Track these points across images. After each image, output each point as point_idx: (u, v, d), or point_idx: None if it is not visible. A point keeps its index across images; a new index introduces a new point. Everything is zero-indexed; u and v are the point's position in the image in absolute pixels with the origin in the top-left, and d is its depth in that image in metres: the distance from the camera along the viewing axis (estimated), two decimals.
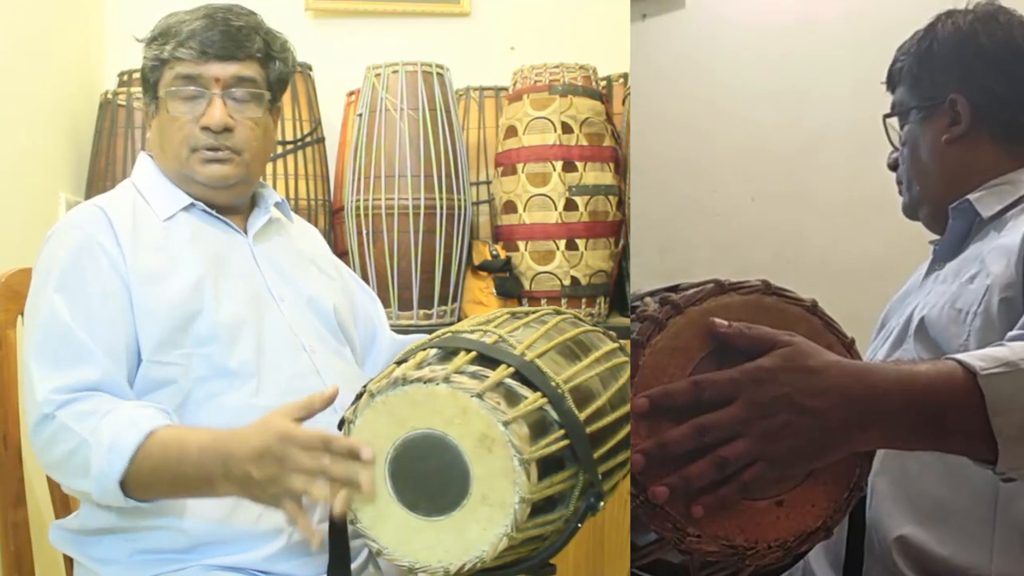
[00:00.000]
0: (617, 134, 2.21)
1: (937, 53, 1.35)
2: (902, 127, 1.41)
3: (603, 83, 2.26)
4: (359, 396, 1.07)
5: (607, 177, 2.14)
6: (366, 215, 2.09)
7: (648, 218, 2.15)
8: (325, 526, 1.11)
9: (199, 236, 1.38)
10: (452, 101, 2.14)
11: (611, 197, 2.14)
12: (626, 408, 1.11)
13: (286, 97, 2.16)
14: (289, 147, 2.19)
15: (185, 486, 1.18)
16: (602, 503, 1.07)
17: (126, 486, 1.18)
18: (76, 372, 1.23)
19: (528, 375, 1.05)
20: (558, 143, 2.11)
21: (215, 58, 1.35)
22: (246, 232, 1.43)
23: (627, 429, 1.08)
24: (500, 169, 2.20)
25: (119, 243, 1.31)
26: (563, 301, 2.13)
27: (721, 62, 2.33)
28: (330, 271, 1.54)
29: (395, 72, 2.10)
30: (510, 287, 2.17)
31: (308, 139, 2.23)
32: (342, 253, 2.16)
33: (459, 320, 1.86)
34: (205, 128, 1.36)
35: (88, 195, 2.16)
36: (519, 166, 2.13)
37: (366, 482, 1.02)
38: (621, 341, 1.26)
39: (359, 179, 2.10)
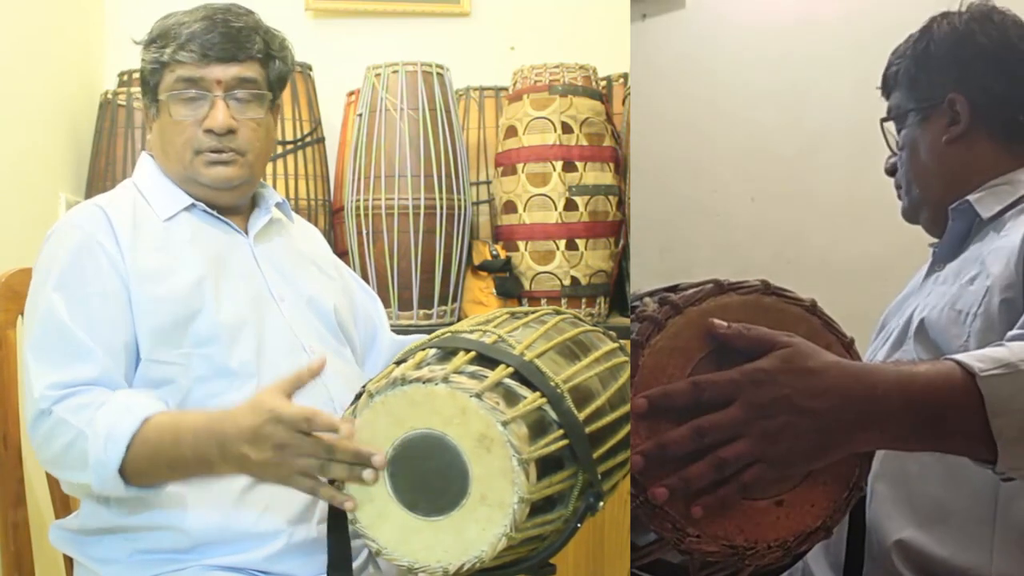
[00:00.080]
0: (617, 134, 2.21)
1: (934, 54, 1.35)
2: (899, 131, 1.41)
3: (603, 83, 2.26)
4: (358, 396, 1.07)
5: (607, 177, 2.14)
6: (366, 215, 2.09)
7: (648, 218, 2.14)
8: (325, 526, 1.11)
9: (200, 236, 1.38)
10: (452, 101, 2.14)
11: (611, 197, 2.14)
12: (626, 408, 1.11)
13: (286, 97, 2.18)
14: (289, 147, 2.19)
15: (184, 469, 1.18)
16: (601, 503, 1.07)
17: (125, 474, 1.18)
18: (73, 369, 1.23)
19: (527, 375, 1.05)
20: (558, 143, 2.11)
21: (216, 60, 1.35)
22: (247, 232, 1.43)
23: (627, 429, 1.08)
24: (500, 169, 2.20)
25: (119, 242, 1.31)
26: (563, 301, 2.13)
27: (721, 62, 2.33)
28: (330, 271, 1.54)
29: (395, 72, 2.10)
30: (510, 287, 2.17)
31: (308, 139, 2.23)
32: (342, 253, 2.16)
33: (459, 320, 1.86)
34: (208, 131, 1.36)
35: (88, 195, 2.16)
36: (519, 166, 2.13)
37: (378, 462, 1.02)
38: (621, 341, 1.26)
39: (359, 179, 2.10)
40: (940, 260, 1.35)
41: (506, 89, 2.27)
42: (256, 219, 1.45)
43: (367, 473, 1.02)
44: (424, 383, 1.01)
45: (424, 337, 1.18)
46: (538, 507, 1.03)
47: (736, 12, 2.35)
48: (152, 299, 1.29)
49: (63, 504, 1.46)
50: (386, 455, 1.02)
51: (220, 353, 1.31)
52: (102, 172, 2.18)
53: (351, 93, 2.32)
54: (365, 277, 2.07)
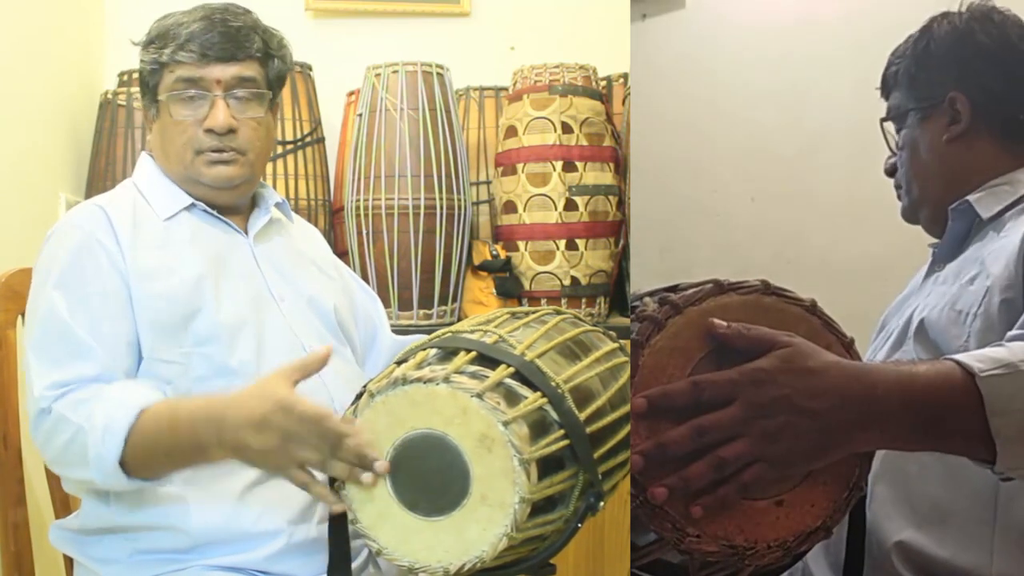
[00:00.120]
0: (617, 134, 2.21)
1: (934, 53, 1.35)
2: (899, 131, 1.41)
3: (603, 83, 2.26)
4: (359, 396, 1.07)
5: (607, 177, 2.14)
6: (366, 215, 2.09)
7: (648, 218, 2.14)
8: (325, 526, 1.11)
9: (200, 236, 1.38)
10: (452, 101, 2.14)
11: (611, 197, 2.14)
12: (626, 408, 1.11)
13: (286, 97, 2.18)
14: (289, 147, 2.19)
15: (180, 455, 1.18)
16: (602, 503, 1.07)
17: (126, 466, 1.17)
18: (74, 368, 1.23)
19: (528, 375, 1.06)
20: (558, 143, 2.11)
21: (216, 60, 1.35)
22: (247, 232, 1.44)
23: (627, 429, 1.08)
24: (500, 169, 2.20)
25: (119, 241, 1.31)
26: (563, 301, 2.13)
27: (721, 62, 2.33)
28: (330, 271, 1.54)
29: (395, 72, 2.10)
30: (510, 287, 2.17)
31: (308, 139, 2.23)
32: (342, 253, 2.16)
33: (459, 320, 1.86)
34: (209, 130, 1.36)
35: (88, 195, 2.16)
36: (519, 166, 2.13)
37: (381, 468, 1.02)
38: (621, 341, 1.26)
39: (359, 179, 2.10)
40: (940, 260, 1.35)
41: (506, 89, 2.27)
42: (256, 219, 1.45)
43: (366, 476, 1.02)
44: (425, 383, 1.01)
45: (424, 337, 1.18)
46: (539, 507, 1.03)
47: (736, 12, 2.34)
48: (152, 297, 1.29)
49: (63, 504, 1.46)
50: (387, 457, 1.02)
51: (220, 352, 1.31)
52: (102, 172, 2.18)
53: (351, 93, 2.32)
54: (365, 277, 2.07)
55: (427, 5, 2.52)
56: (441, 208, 2.08)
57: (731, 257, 2.26)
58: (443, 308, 2.12)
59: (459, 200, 2.11)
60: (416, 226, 2.07)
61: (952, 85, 1.33)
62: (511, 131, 2.16)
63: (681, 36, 2.35)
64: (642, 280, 1.90)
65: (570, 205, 2.11)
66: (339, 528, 1.09)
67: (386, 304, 2.00)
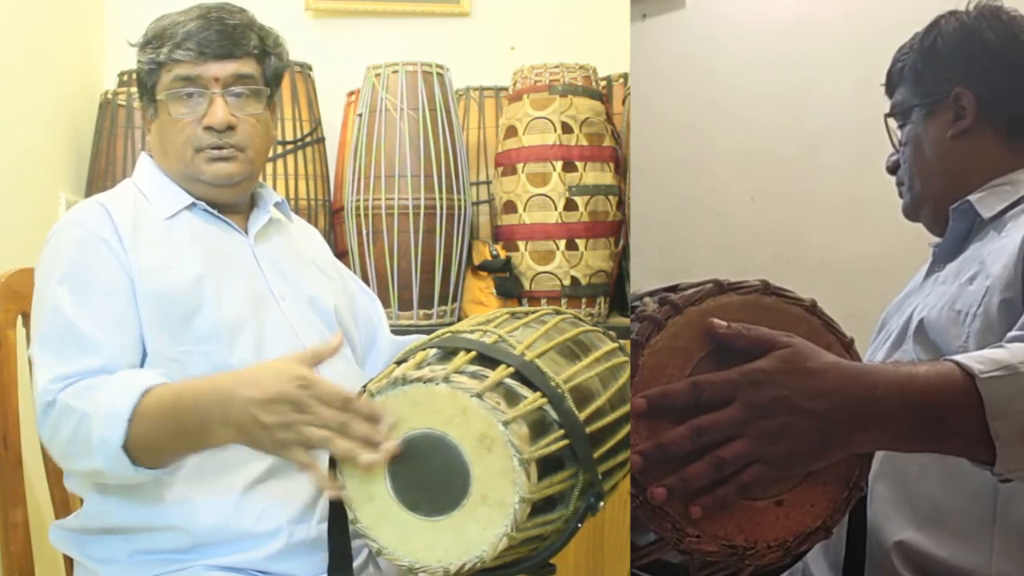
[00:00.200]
0: (617, 134, 2.21)
1: (941, 49, 1.36)
2: (902, 128, 1.41)
3: (603, 83, 2.26)
4: (359, 395, 1.07)
5: (607, 177, 2.14)
6: (366, 215, 2.09)
7: (648, 218, 2.15)
8: (325, 526, 1.11)
9: (200, 235, 1.38)
10: (452, 101, 2.14)
11: (611, 197, 2.14)
12: (626, 408, 1.11)
13: (286, 97, 2.18)
14: (289, 147, 2.19)
15: (185, 438, 1.16)
16: (602, 503, 1.07)
17: (132, 454, 1.16)
18: (79, 362, 1.23)
19: (528, 375, 1.05)
20: (558, 143, 2.11)
21: (213, 58, 1.36)
22: (247, 232, 1.44)
23: (627, 429, 1.08)
24: (500, 169, 2.20)
25: (120, 238, 1.31)
26: (563, 301, 2.13)
27: (721, 62, 2.33)
28: (330, 271, 1.54)
29: (395, 72, 2.10)
30: (510, 287, 2.17)
31: (308, 139, 2.23)
32: (342, 253, 2.16)
33: (459, 320, 1.86)
34: (208, 128, 1.36)
35: (88, 195, 2.16)
36: (519, 166, 2.13)
37: (388, 448, 1.01)
38: (621, 341, 1.26)
39: (359, 179, 2.10)
40: (940, 260, 1.35)
41: (506, 89, 2.27)
42: (256, 219, 1.45)
43: (365, 457, 1.01)
44: (425, 383, 1.01)
45: (424, 337, 1.18)
46: (539, 507, 1.03)
47: (736, 12, 2.35)
48: (152, 294, 1.29)
49: (63, 504, 1.46)
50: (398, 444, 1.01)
51: (220, 351, 1.31)
52: (102, 172, 2.18)
53: (351, 93, 2.32)
54: (365, 277, 2.07)
55: (427, 5, 2.52)
56: (441, 208, 2.08)
57: (731, 257, 2.27)
58: (443, 308, 2.12)
59: (459, 200, 2.11)
60: (416, 226, 2.07)
61: (958, 81, 1.33)
62: (511, 131, 2.16)
63: (681, 36, 2.35)
64: (642, 280, 1.90)
65: (570, 205, 2.11)
66: (339, 528, 1.09)
67: (386, 304, 2.00)
